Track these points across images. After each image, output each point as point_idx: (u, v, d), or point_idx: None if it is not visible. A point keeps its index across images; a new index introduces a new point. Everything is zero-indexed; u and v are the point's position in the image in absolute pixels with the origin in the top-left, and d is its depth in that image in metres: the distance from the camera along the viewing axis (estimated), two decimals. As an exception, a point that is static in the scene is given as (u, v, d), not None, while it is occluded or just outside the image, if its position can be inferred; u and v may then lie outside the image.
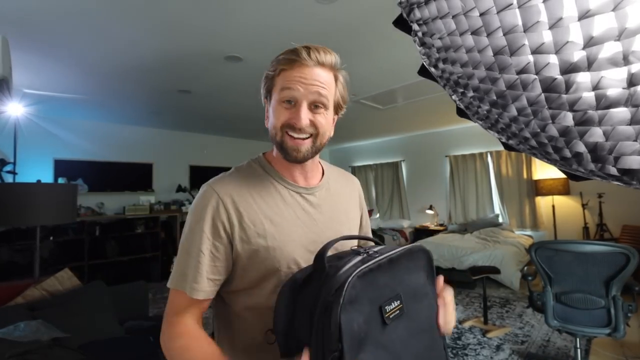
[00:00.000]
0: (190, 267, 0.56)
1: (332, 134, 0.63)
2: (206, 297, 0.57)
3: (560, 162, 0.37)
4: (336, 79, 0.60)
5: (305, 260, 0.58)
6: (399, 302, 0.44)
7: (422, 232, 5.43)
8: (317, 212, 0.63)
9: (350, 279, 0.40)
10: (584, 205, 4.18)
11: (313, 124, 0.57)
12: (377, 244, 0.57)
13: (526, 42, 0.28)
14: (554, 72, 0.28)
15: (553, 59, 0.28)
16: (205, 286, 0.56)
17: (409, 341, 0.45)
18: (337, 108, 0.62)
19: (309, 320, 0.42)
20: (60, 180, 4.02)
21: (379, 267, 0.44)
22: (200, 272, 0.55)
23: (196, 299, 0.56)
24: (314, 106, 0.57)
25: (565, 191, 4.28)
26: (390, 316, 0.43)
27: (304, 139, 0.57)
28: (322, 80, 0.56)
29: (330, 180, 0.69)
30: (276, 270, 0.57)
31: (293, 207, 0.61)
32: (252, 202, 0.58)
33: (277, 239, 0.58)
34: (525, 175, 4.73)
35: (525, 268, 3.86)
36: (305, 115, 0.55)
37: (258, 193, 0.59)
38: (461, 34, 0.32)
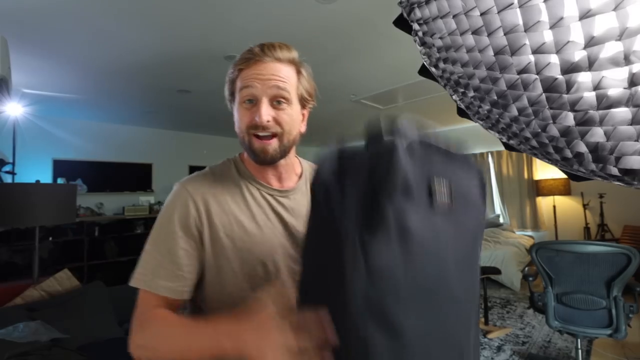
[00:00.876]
0: (162, 266, 0.53)
1: (303, 129, 0.61)
2: (180, 297, 0.54)
3: (561, 162, 0.37)
4: (298, 72, 0.58)
5: (274, 263, 0.56)
6: (448, 189, 0.33)
7: (422, 233, 5.41)
8: (290, 216, 0.60)
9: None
10: (585, 206, 4.17)
11: (277, 121, 0.55)
12: None
13: (527, 42, 0.28)
14: (555, 72, 0.28)
15: (554, 58, 0.28)
16: (179, 285, 0.54)
17: (455, 248, 0.33)
18: (303, 102, 0.59)
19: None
20: (59, 181, 4.00)
21: (437, 149, 0.35)
22: (173, 271, 0.53)
23: (170, 299, 0.53)
24: (276, 102, 0.55)
25: (566, 191, 4.27)
26: (438, 199, 0.32)
27: (269, 138, 0.55)
28: (281, 74, 0.55)
29: (309, 182, 0.66)
30: (242, 272, 0.55)
31: (265, 210, 0.59)
32: (223, 203, 0.57)
33: (246, 241, 0.56)
34: (526, 176, 4.72)
35: (526, 269, 3.84)
36: (266, 112, 0.54)
37: (229, 194, 0.58)
38: (462, 34, 0.32)
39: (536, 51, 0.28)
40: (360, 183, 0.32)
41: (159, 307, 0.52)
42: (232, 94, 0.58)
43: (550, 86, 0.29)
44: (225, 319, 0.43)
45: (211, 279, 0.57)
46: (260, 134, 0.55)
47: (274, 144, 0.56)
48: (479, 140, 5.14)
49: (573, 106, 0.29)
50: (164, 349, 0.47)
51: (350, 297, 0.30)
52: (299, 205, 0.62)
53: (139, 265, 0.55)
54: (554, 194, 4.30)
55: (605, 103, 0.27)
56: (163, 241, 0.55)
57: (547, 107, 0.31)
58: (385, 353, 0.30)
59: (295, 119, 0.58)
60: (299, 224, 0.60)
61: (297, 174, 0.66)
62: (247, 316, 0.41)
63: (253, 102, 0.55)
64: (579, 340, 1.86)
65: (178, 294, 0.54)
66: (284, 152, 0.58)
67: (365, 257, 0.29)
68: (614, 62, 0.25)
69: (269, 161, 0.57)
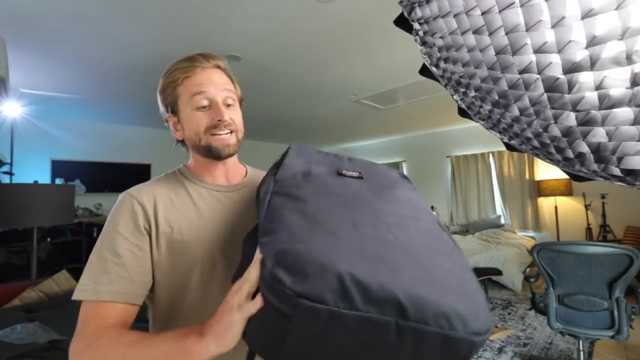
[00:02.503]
0: (106, 271, 0.51)
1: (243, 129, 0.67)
2: (129, 301, 0.51)
3: (563, 163, 0.37)
4: (232, 79, 0.64)
5: (226, 255, 0.58)
6: (357, 170, 0.55)
7: (423, 233, 5.41)
8: (241, 207, 0.63)
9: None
10: (586, 206, 4.16)
11: (232, 120, 0.60)
12: None
13: (528, 42, 0.28)
14: (557, 72, 0.28)
15: (555, 58, 0.27)
16: (127, 288, 0.51)
17: (359, 190, 0.50)
18: (240, 103, 0.66)
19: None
20: (58, 181, 3.99)
21: (334, 155, 0.61)
22: (119, 274, 0.51)
23: (119, 309, 0.49)
24: (227, 105, 0.60)
25: (567, 192, 4.25)
26: (347, 173, 0.53)
27: (229, 134, 0.60)
28: (224, 80, 0.61)
29: (254, 180, 0.69)
30: (195, 266, 0.56)
31: (213, 205, 0.62)
32: (168, 202, 0.59)
33: (194, 235, 0.57)
34: (527, 176, 4.71)
35: (528, 270, 3.83)
36: (225, 111, 0.58)
37: (174, 193, 0.61)
38: (463, 33, 0.32)
39: (538, 51, 0.28)
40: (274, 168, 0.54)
41: (112, 320, 0.48)
42: (174, 103, 0.60)
43: (551, 86, 0.29)
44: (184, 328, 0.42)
45: (162, 278, 0.56)
46: (221, 132, 0.59)
47: (233, 138, 0.61)
48: (480, 140, 5.13)
49: (575, 106, 0.29)
50: None
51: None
52: (245, 199, 0.65)
53: (81, 278, 0.52)
54: (555, 195, 4.29)
55: (607, 103, 0.27)
56: (107, 247, 0.53)
57: (549, 107, 0.30)
58: (291, 208, 0.42)
59: (240, 118, 0.63)
60: (251, 216, 0.61)
61: (241, 173, 0.70)
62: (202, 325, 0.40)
63: (207, 107, 0.59)
64: (580, 341, 1.85)
65: (127, 297, 0.50)
66: (238, 146, 0.63)
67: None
68: (616, 62, 0.25)
69: (231, 153, 0.62)
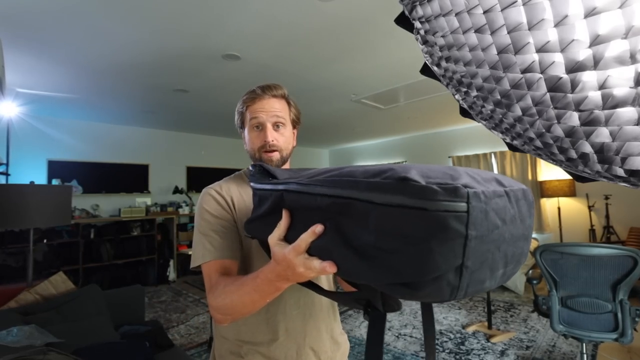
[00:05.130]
0: (208, 242, 0.69)
1: (295, 143, 0.85)
2: (229, 257, 0.69)
3: (566, 163, 0.37)
4: (288, 103, 0.81)
5: None
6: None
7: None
8: None
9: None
10: (590, 207, 4.13)
11: (277, 140, 0.77)
12: None
13: (531, 40, 0.28)
14: (560, 71, 0.28)
15: (558, 57, 0.27)
16: (225, 248, 0.69)
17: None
18: (294, 123, 0.83)
19: None
20: (54, 182, 3.95)
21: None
22: (216, 240, 0.69)
23: (226, 264, 0.68)
24: (276, 126, 0.78)
25: (571, 193, 4.23)
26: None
27: (273, 152, 0.77)
28: (277, 106, 0.78)
29: None
30: (253, 244, 0.72)
31: None
32: (239, 195, 0.77)
33: None
34: (530, 177, 4.69)
35: (530, 271, 3.80)
36: (270, 134, 0.76)
37: (243, 190, 0.78)
38: (464, 32, 0.31)
39: (540, 50, 0.28)
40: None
41: (219, 274, 0.66)
42: (242, 122, 0.81)
43: (554, 85, 0.29)
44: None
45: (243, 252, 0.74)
46: (268, 150, 0.77)
47: (276, 155, 0.78)
48: (482, 140, 5.11)
49: (578, 106, 0.29)
50: (233, 301, 0.57)
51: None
52: None
53: (192, 252, 0.72)
54: (558, 196, 4.27)
55: (610, 103, 0.27)
56: (204, 226, 0.71)
57: (552, 106, 0.30)
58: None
59: (288, 137, 0.81)
60: None
61: None
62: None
63: (260, 128, 0.77)
64: (584, 344, 1.84)
65: (227, 254, 0.69)
66: (283, 161, 0.80)
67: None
68: (620, 61, 0.25)
69: (275, 167, 0.75)
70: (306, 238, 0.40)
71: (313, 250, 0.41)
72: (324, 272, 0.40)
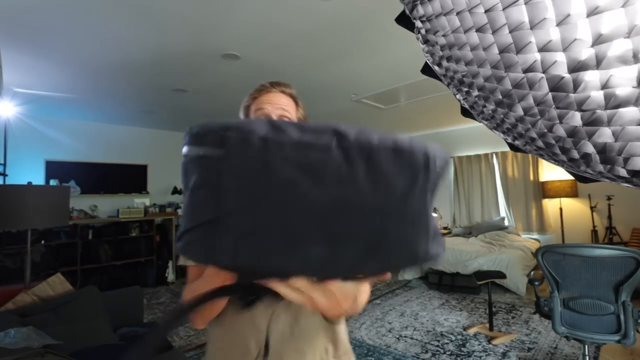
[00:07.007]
0: None
1: None
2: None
3: (568, 164, 0.37)
4: (296, 103, 0.80)
5: None
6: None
7: (426, 235, 5.38)
8: None
9: None
10: (592, 208, 4.11)
11: None
12: None
13: (533, 40, 0.27)
14: (562, 71, 0.27)
15: (560, 56, 0.27)
16: None
17: None
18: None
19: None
20: (52, 182, 3.94)
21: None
22: None
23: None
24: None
25: (573, 193, 4.21)
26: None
27: None
28: (284, 101, 0.76)
29: None
30: None
31: None
32: None
33: None
34: (531, 177, 4.67)
35: (532, 273, 3.79)
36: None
37: None
38: (466, 31, 0.31)
39: (542, 49, 0.27)
40: None
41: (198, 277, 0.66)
42: (247, 116, 0.79)
43: (556, 85, 0.28)
44: None
45: None
46: None
47: None
48: (483, 140, 5.10)
49: (580, 106, 0.28)
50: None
51: None
52: None
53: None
54: (560, 196, 4.25)
55: (613, 102, 0.27)
56: None
57: (554, 106, 0.30)
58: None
59: None
60: None
61: None
62: None
63: None
64: (586, 346, 1.83)
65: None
66: None
67: None
68: (623, 60, 0.25)
69: None
70: None
71: None
72: None
